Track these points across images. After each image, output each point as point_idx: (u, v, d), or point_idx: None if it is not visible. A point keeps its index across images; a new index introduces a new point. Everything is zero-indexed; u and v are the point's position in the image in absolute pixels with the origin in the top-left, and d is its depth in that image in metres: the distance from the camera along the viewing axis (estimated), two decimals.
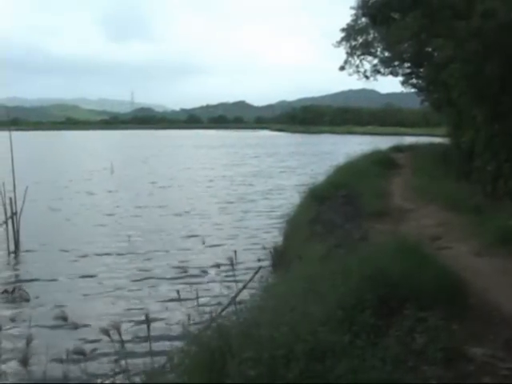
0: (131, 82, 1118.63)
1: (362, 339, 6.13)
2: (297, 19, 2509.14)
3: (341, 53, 42.92)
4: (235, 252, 14.55)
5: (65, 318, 9.75)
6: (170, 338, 11.59)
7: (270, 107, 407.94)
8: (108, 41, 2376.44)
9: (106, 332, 8.35)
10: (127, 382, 7.99)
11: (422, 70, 37.23)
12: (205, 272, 18.10)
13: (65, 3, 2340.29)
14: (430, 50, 27.77)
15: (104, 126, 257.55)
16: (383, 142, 58.77)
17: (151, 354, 8.75)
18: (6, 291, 16.39)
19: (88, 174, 51.18)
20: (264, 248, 18.97)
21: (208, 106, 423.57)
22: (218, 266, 16.92)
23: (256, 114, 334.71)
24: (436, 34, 21.33)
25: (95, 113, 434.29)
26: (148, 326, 9.15)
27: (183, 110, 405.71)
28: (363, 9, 34.36)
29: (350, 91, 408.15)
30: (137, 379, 7.56)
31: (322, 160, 36.12)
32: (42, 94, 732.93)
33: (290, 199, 28.62)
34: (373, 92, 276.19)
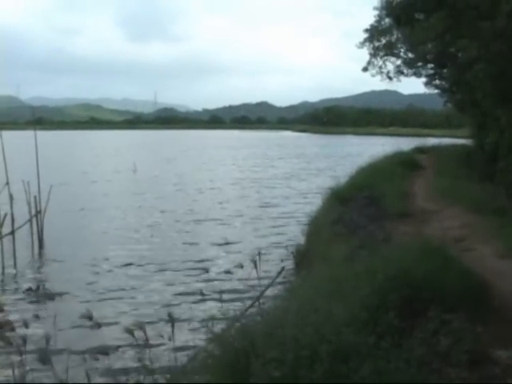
0: (154, 82, 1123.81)
1: (387, 341, 6.11)
2: (317, 20, 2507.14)
3: (363, 53, 42.91)
4: (259, 252, 14.56)
5: (90, 317, 9.81)
6: (194, 338, 11.63)
7: (292, 108, 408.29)
8: (129, 41, 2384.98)
9: (129, 331, 8.42)
10: (151, 381, 8.03)
11: (445, 70, 37.02)
12: (228, 272, 18.12)
13: (87, 4, 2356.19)
14: (453, 50, 27.60)
15: (127, 126, 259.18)
16: (406, 144, 58.41)
17: (175, 353, 8.79)
18: (30, 289, 16.52)
19: (111, 174, 51.39)
20: (287, 248, 18.96)
21: (230, 107, 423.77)
22: (241, 266, 16.94)
23: (278, 115, 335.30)
24: (460, 34, 21.22)
25: (118, 113, 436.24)
26: (172, 325, 9.19)
27: (206, 111, 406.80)
28: (387, 9, 34.23)
29: (373, 92, 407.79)
30: (160, 378, 7.60)
31: (352, 162, 35.87)
32: (66, 94, 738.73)
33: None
34: (395, 93, 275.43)
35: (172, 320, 9.08)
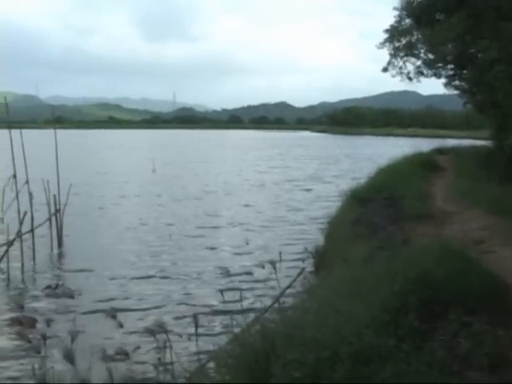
0: (172, 82, 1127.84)
1: (407, 343, 6.09)
2: (334, 19, 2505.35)
3: (380, 54, 42.85)
4: (280, 253, 14.54)
5: (114, 316, 9.84)
6: (214, 338, 11.64)
7: (311, 108, 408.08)
8: (146, 40, 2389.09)
9: (150, 331, 8.44)
10: (171, 380, 8.04)
11: (465, 71, 36.84)
12: (249, 272, 18.11)
13: (103, 3, 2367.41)
14: (474, 51, 27.47)
15: (146, 126, 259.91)
16: (425, 145, 58.15)
17: (195, 353, 8.81)
18: (49, 286, 16.58)
19: (130, 174, 51.56)
20: (306, 249, 18.93)
21: (249, 107, 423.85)
22: (261, 266, 16.95)
23: (297, 115, 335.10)
24: (481, 35, 21.15)
25: (137, 112, 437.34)
26: (196, 326, 9.20)
27: (224, 110, 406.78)
28: (407, 10, 34.16)
29: (392, 93, 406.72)
30: (180, 378, 7.61)
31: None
32: (84, 93, 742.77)
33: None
34: (415, 94, 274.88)
35: (196, 320, 9.09)
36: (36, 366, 9.53)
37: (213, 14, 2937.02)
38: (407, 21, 38.32)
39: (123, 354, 8.68)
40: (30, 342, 9.48)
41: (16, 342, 11.61)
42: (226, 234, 24.98)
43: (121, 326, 11.51)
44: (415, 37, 39.90)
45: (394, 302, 7.33)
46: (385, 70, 43.92)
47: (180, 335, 10.35)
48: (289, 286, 14.16)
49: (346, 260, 12.17)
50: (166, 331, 8.50)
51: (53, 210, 22.43)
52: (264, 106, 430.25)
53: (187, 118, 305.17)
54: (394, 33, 41.97)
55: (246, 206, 33.54)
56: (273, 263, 13.12)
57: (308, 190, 41.91)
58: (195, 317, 9.30)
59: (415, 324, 6.71)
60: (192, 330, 11.90)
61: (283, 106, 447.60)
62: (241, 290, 15.13)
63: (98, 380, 8.97)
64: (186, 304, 15.07)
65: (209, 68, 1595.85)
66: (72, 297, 15.81)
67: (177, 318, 13.53)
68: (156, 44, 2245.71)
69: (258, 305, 13.81)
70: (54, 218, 22.45)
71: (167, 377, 7.90)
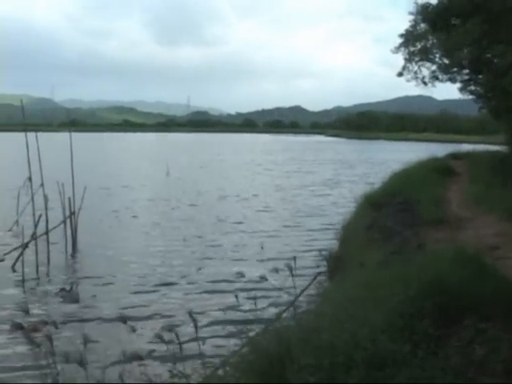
0: (187, 85, 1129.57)
1: (422, 348, 6.06)
2: (348, 23, 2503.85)
3: (394, 58, 42.77)
4: (294, 258, 14.51)
5: (124, 320, 9.85)
6: (227, 341, 11.64)
7: (325, 112, 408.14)
8: (161, 44, 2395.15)
9: (162, 335, 8.43)
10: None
11: (481, 76, 36.71)
12: (264, 277, 18.11)
13: (118, 7, 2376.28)
14: (490, 56, 27.38)
15: (160, 129, 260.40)
16: (439, 149, 57.92)
17: (208, 356, 8.80)
18: (63, 289, 16.64)
19: (145, 177, 51.71)
20: (320, 253, 18.90)
21: (264, 111, 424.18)
22: (276, 270, 16.95)
23: (311, 119, 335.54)
24: (497, 39, 21.07)
25: (152, 115, 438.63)
26: (196, 327, 9.18)
27: (239, 114, 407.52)
28: (422, 14, 34.07)
29: (407, 97, 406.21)
30: (193, 382, 7.60)
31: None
32: (98, 96, 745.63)
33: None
34: (429, 98, 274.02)
35: (195, 322, 9.06)
36: (47, 369, 9.54)
37: (227, 17, 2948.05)
38: (422, 25, 38.23)
39: (137, 358, 8.69)
40: (40, 344, 9.50)
41: (27, 345, 11.65)
42: (240, 239, 24.93)
43: (133, 330, 11.52)
44: (430, 41, 39.78)
45: (408, 307, 7.30)
46: (400, 74, 43.82)
47: (193, 339, 10.31)
48: (303, 291, 14.15)
49: (363, 265, 12.14)
50: (177, 335, 8.48)
51: (67, 213, 22.53)
52: (278, 109, 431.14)
53: (201, 122, 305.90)
54: (409, 37, 41.87)
55: (262, 210, 33.50)
56: (289, 267, 13.07)
57: (324, 196, 41.78)
58: (193, 318, 9.25)
59: (430, 330, 6.67)
60: (205, 334, 11.90)
61: (297, 109, 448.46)
62: (255, 294, 15.12)
63: (110, 382, 8.98)
64: (199, 308, 15.05)
65: (223, 72, 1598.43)
66: (85, 299, 15.86)
67: (190, 322, 13.55)
68: (170, 47, 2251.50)
69: (272, 309, 13.81)
70: (68, 221, 22.55)
71: (181, 381, 7.89)
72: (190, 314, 9.10)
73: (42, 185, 21.09)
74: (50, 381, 9.38)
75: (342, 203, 35.51)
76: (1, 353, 12.31)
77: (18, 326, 11.76)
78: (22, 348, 12.16)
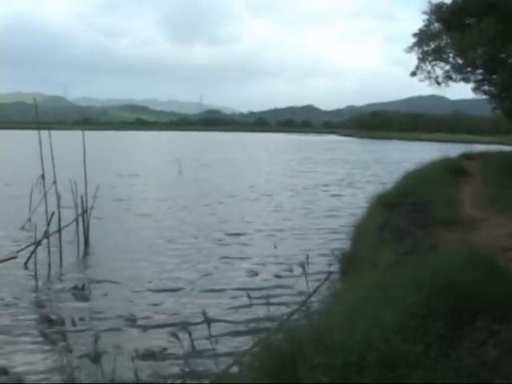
0: (199, 84, 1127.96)
1: (435, 350, 6.04)
2: (360, 23, 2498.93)
3: (407, 58, 42.65)
4: (307, 257, 14.50)
5: (133, 320, 9.85)
6: (239, 340, 11.64)
7: (338, 112, 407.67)
8: (173, 42, 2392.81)
9: (174, 334, 8.42)
10: (198, 383, 8.03)
11: (495, 76, 36.61)
12: (277, 276, 18.08)
13: (130, 6, 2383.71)
14: (504, 56, 27.29)
15: (172, 128, 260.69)
16: (452, 149, 57.69)
17: (220, 355, 8.79)
18: (75, 287, 16.67)
19: (157, 175, 51.78)
20: (333, 253, 18.87)
21: (276, 110, 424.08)
22: (290, 270, 16.91)
23: (324, 119, 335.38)
24: None
25: (164, 114, 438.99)
26: (209, 326, 9.17)
27: (251, 113, 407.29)
28: (436, 14, 34.00)
29: (419, 97, 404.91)
30: (205, 380, 7.61)
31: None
32: (111, 95, 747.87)
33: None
34: (442, 98, 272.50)
35: (208, 320, 9.05)
36: (61, 365, 9.56)
37: (240, 16, 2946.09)
38: (436, 25, 38.18)
39: (150, 356, 8.69)
40: (55, 341, 9.49)
41: (41, 342, 11.67)
42: (253, 238, 24.91)
43: (145, 328, 11.55)
44: (444, 41, 39.73)
45: (421, 308, 7.27)
46: (413, 74, 43.80)
47: (205, 338, 10.30)
48: (315, 290, 14.12)
49: (372, 265, 12.11)
50: (190, 334, 8.47)
51: (80, 211, 22.58)
52: (291, 109, 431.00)
53: (214, 121, 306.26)
54: (422, 37, 41.83)
55: (275, 210, 33.42)
56: (302, 266, 13.05)
57: (337, 196, 41.59)
58: (206, 318, 9.24)
59: (442, 331, 6.64)
60: (217, 332, 11.89)
61: (310, 109, 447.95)
62: (268, 293, 15.10)
63: (124, 380, 9.00)
64: (211, 306, 15.02)
65: (236, 70, 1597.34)
66: (97, 297, 15.90)
67: (203, 321, 13.52)
68: (183, 46, 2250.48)
69: (284, 308, 13.79)
70: (80, 219, 22.61)
71: (194, 379, 7.89)
72: (204, 313, 9.06)
73: (54, 183, 21.13)
74: (65, 378, 9.39)
75: (355, 204, 34.99)
76: (17, 349, 12.37)
77: (37, 322, 11.82)
78: (38, 345, 12.18)
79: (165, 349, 9.77)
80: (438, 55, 41.34)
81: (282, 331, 7.17)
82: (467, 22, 27.22)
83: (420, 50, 42.13)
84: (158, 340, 12.25)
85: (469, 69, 40.25)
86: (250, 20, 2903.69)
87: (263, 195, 40.13)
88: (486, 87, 43.43)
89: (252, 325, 12.02)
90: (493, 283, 8.63)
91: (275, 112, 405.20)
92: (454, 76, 42.57)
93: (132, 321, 10.23)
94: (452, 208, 19.94)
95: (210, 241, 23.96)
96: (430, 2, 36.91)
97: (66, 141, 53.98)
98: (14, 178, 43.37)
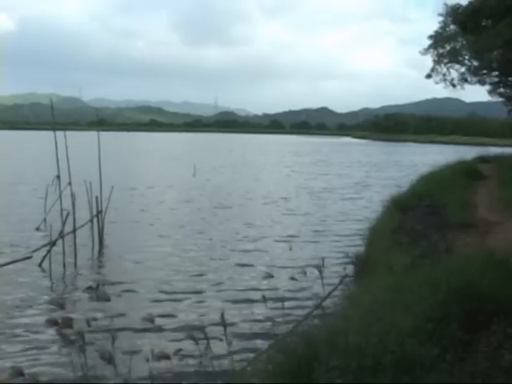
0: (214, 86, 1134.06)
1: (450, 353, 6.02)
2: (374, 25, 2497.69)
3: (421, 60, 42.55)
4: (323, 259, 14.45)
5: (151, 320, 9.83)
6: (255, 342, 11.63)
7: (352, 114, 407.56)
8: (187, 44, 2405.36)
9: (190, 334, 8.42)
10: (212, 383, 8.04)
11: (510, 78, 36.47)
12: (292, 278, 18.04)
13: (145, 8, 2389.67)
14: None
15: (187, 129, 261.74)
16: (468, 152, 57.40)
17: (235, 357, 8.77)
18: (90, 287, 16.69)
19: (171, 177, 51.82)
20: (348, 256, 18.82)
21: (290, 112, 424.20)
22: (305, 272, 16.90)
23: (338, 121, 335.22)
24: None
25: (179, 116, 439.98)
26: (225, 328, 9.16)
27: (265, 115, 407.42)
28: (452, 16, 33.89)
29: (434, 99, 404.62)
30: (220, 381, 7.61)
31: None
32: (126, 96, 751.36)
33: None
34: (457, 101, 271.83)
35: (224, 322, 9.03)
36: (77, 365, 9.57)
37: (254, 18, 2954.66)
38: (452, 27, 38.07)
39: (164, 357, 8.67)
40: (70, 342, 9.51)
41: (56, 342, 11.70)
42: (268, 241, 24.81)
43: (160, 329, 11.53)
44: (460, 43, 39.63)
45: (437, 311, 7.25)
46: (428, 76, 43.73)
47: (220, 339, 10.31)
48: (330, 293, 14.09)
49: (387, 267, 12.07)
50: (205, 335, 8.47)
51: (95, 212, 22.65)
52: (305, 111, 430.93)
53: (228, 122, 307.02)
54: (438, 39, 41.74)
55: (290, 213, 33.27)
56: (318, 268, 13.02)
57: (353, 199, 41.24)
58: (223, 320, 9.22)
59: (458, 334, 6.62)
60: (233, 334, 11.88)
61: (324, 111, 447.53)
62: (283, 294, 15.08)
63: (138, 381, 9.00)
64: (226, 308, 14.98)
65: (250, 72, 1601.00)
66: (112, 298, 15.88)
67: (218, 323, 13.53)
68: (197, 48, 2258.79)
69: (299, 310, 13.76)
70: (95, 220, 22.67)
71: (209, 380, 7.90)
72: (222, 314, 9.05)
73: (69, 183, 21.18)
74: (80, 378, 9.41)
75: (371, 207, 34.54)
76: (32, 350, 12.41)
77: (52, 322, 11.82)
78: (53, 345, 12.23)
79: (180, 349, 9.72)
80: (454, 57, 41.25)
81: (297, 333, 7.16)
82: (483, 24, 27.08)
83: (435, 52, 42.07)
84: (172, 340, 12.26)
85: (484, 71, 40.12)
86: (264, 22, 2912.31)
87: (278, 198, 39.91)
88: (501, 89, 43.31)
89: (267, 326, 12.01)
90: (509, 287, 8.58)
91: (289, 114, 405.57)
92: (469, 78, 42.48)
93: (149, 321, 10.18)
94: (467, 211, 19.86)
95: (224, 242, 23.90)
96: (445, 4, 36.93)
97: (81, 142, 54.13)
98: (30, 178, 43.59)
